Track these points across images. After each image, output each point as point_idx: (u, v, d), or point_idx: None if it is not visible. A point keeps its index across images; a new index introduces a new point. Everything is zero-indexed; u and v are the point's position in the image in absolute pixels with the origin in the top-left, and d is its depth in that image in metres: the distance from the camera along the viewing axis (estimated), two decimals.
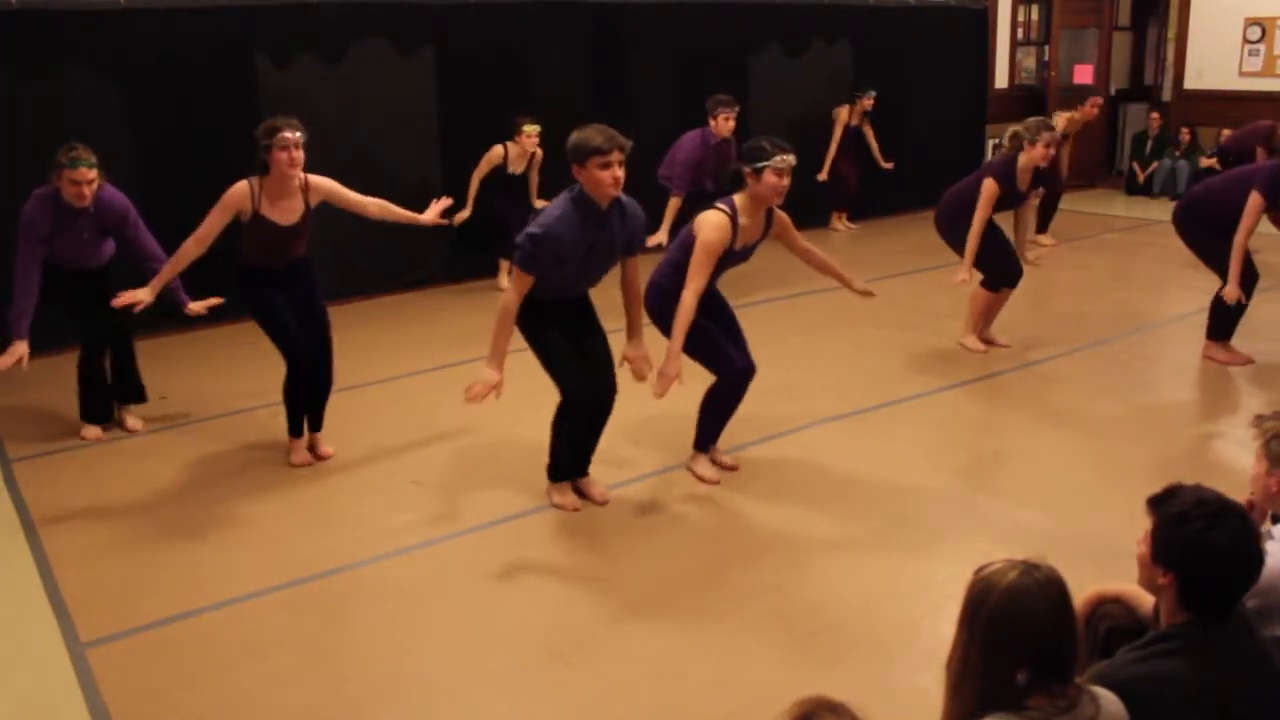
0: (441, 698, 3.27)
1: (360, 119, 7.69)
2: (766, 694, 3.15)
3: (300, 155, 4.57)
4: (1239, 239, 5.75)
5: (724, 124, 7.67)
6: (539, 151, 7.90)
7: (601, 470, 4.76)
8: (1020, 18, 12.20)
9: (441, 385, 5.60)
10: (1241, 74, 11.64)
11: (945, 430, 5.35)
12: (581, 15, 8.75)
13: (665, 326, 4.51)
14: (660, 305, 4.56)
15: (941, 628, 2.02)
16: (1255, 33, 11.51)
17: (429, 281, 8.32)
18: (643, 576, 3.96)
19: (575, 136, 4.04)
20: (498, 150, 7.78)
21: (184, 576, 3.99)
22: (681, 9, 9.18)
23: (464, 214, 7.56)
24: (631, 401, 5.76)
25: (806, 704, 1.74)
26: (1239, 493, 2.65)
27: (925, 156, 10.57)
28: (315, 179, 4.78)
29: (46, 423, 5.60)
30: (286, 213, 4.69)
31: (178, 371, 6.38)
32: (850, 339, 6.79)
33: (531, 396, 5.40)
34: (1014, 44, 12.19)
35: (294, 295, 4.85)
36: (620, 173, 4.03)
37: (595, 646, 3.49)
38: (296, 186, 4.69)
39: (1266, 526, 2.64)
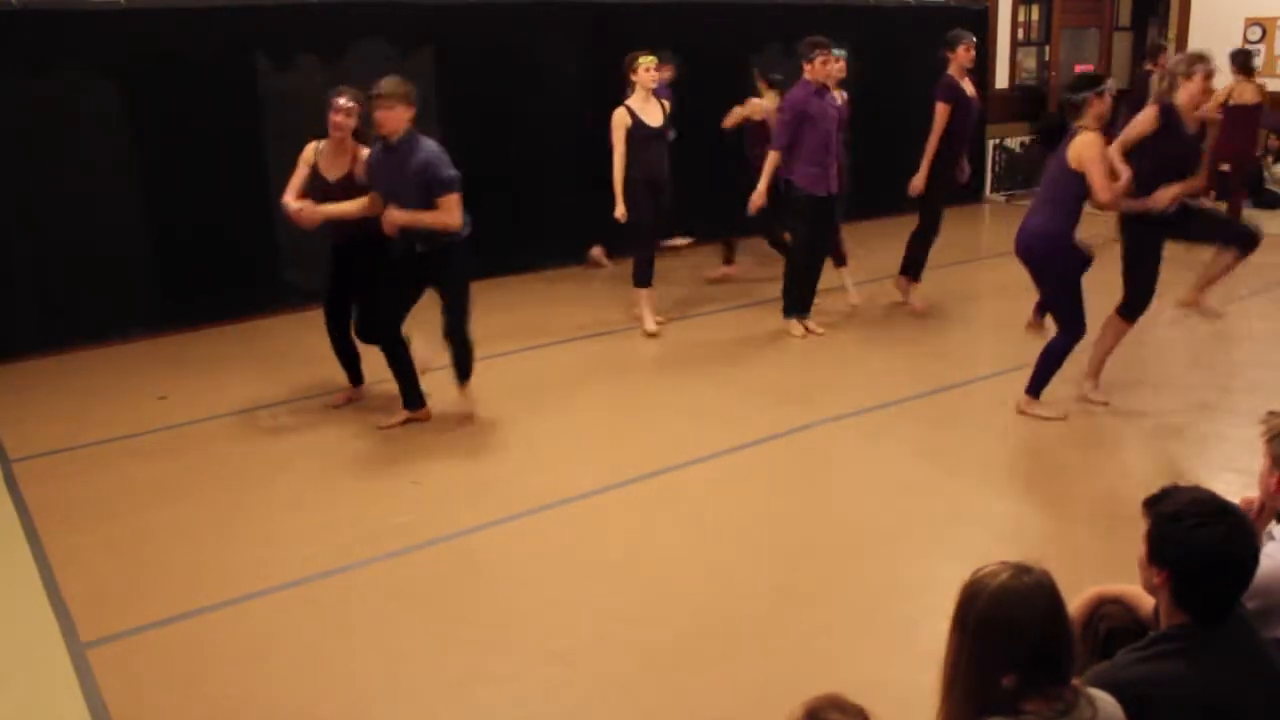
0: (442, 698, 3.26)
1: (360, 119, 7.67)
2: (766, 694, 3.15)
3: (345, 120, 5.21)
4: (931, 140, 6.78)
5: (820, 69, 6.52)
6: (667, 103, 6.97)
7: (600, 472, 4.78)
8: (1020, 18, 12.19)
9: (442, 385, 5.59)
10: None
11: (945, 430, 5.35)
12: (581, 15, 8.74)
13: (1055, 272, 5.02)
14: (1050, 253, 5.01)
15: (941, 628, 2.01)
16: (1255, 33, 11.51)
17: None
18: (642, 576, 3.96)
19: None
20: (620, 114, 6.76)
21: (184, 576, 3.99)
22: (682, 8, 9.18)
23: (620, 212, 6.68)
24: (633, 407, 5.77)
25: (818, 701, 1.74)
26: (1242, 494, 2.65)
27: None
28: (365, 150, 5.29)
29: (47, 423, 5.60)
30: (334, 169, 5.29)
31: (178, 371, 6.38)
32: (851, 339, 6.79)
33: (531, 398, 5.42)
34: (1014, 44, 12.18)
35: (348, 267, 5.43)
36: (378, 115, 4.96)
37: (595, 646, 3.49)
38: (348, 150, 5.29)
39: (1270, 527, 2.63)
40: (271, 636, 3.60)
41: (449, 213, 5.01)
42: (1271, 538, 2.55)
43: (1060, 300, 5.14)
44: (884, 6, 10.70)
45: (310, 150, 5.36)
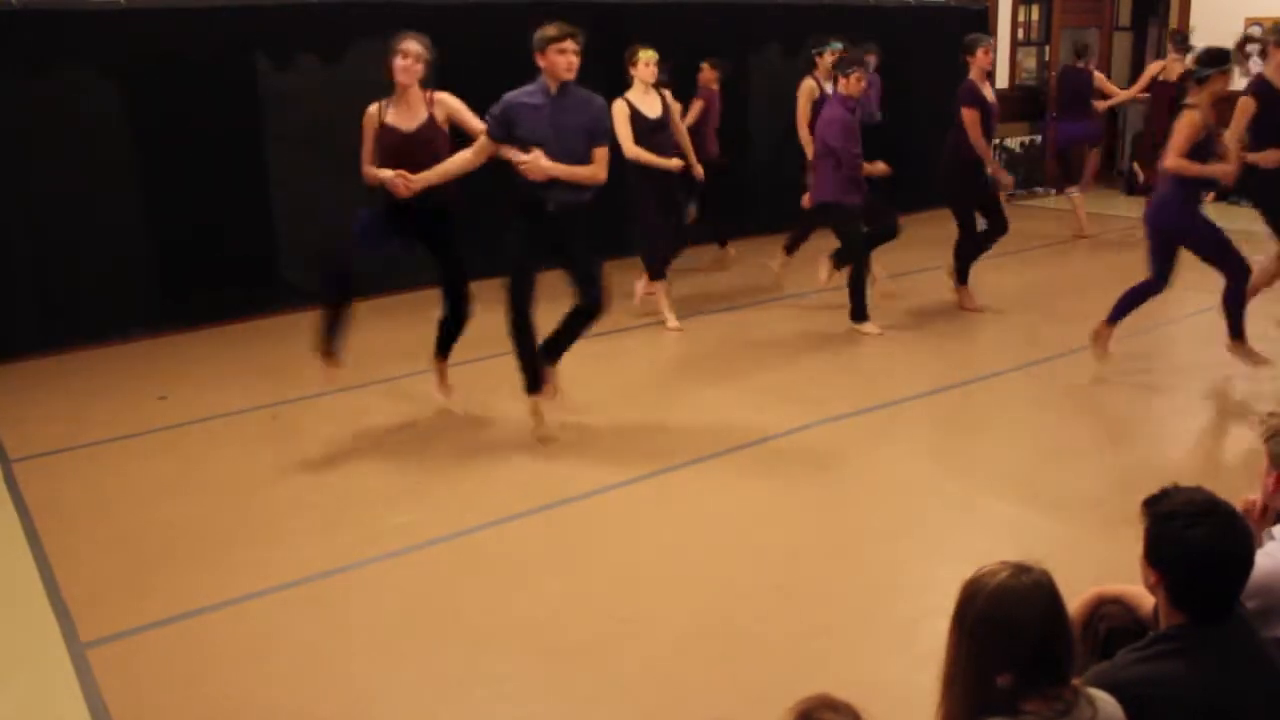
0: (441, 698, 3.27)
1: (360, 119, 7.67)
2: (766, 694, 3.15)
3: (413, 66, 4.98)
4: (977, 145, 6.98)
5: (855, 84, 6.63)
6: (670, 97, 7.06)
7: (600, 472, 4.77)
8: (1020, 18, 12.18)
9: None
10: (1242, 74, 11.63)
11: (946, 430, 5.35)
12: (581, 15, 8.72)
13: (1162, 234, 5.54)
14: (1164, 217, 5.46)
15: (941, 628, 2.01)
16: (1255, 32, 11.50)
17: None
18: (642, 576, 3.96)
19: (537, 32, 4.70)
20: (619, 104, 6.71)
21: (184, 576, 3.99)
22: (682, 8, 9.18)
23: (698, 171, 7.22)
24: (633, 407, 5.77)
25: (809, 702, 1.75)
26: (1244, 495, 2.65)
27: (925, 157, 10.56)
28: (442, 94, 5.13)
29: (47, 423, 5.60)
30: (408, 118, 5.05)
31: (178, 371, 6.38)
32: (851, 339, 6.79)
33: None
34: (1014, 44, 12.18)
35: (412, 235, 5.18)
36: (574, 59, 4.67)
37: (595, 646, 3.49)
38: (419, 97, 5.07)
39: (1270, 527, 2.62)
40: (271, 636, 3.60)
41: (600, 165, 4.84)
42: (1272, 537, 2.54)
43: (1155, 253, 5.63)
44: (884, 6, 10.70)
45: (373, 112, 5.12)
